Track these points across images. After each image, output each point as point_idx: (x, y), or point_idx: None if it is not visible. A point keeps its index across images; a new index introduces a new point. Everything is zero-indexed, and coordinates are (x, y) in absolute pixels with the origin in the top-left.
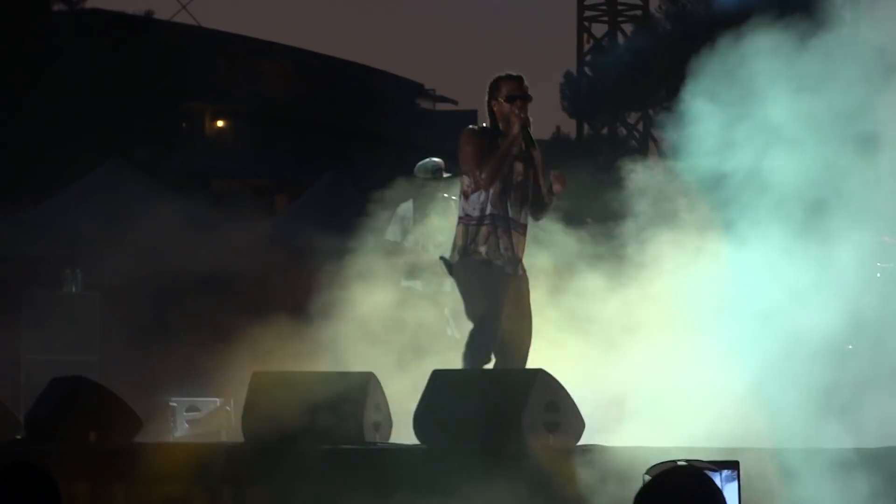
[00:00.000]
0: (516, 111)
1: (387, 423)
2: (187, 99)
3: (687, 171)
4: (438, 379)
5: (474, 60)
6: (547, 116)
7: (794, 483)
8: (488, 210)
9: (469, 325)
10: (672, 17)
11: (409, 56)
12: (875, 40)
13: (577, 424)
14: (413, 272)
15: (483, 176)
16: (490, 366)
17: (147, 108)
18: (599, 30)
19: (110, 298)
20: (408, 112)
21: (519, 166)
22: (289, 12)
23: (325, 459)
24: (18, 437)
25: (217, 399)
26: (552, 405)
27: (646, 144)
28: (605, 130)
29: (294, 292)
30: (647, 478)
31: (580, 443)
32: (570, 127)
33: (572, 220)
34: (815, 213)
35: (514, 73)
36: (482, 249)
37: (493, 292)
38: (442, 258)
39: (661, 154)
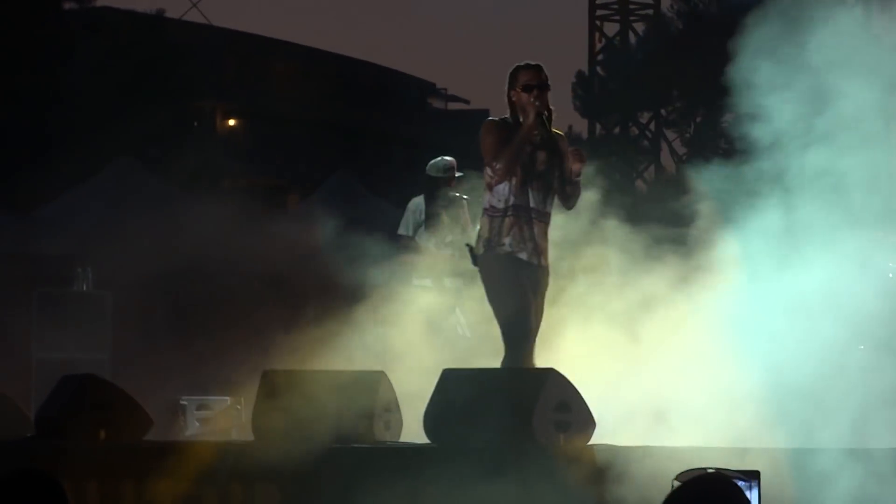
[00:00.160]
0: (532, 100)
1: (397, 422)
2: (198, 97)
3: (752, 172)
4: (449, 378)
5: (486, 60)
6: (559, 116)
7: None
8: (511, 201)
9: (477, 318)
10: (684, 16)
11: (421, 55)
12: (889, 39)
13: (588, 424)
14: (424, 270)
15: (499, 166)
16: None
17: (158, 106)
18: (611, 29)
19: (121, 297)
20: (419, 111)
21: (541, 155)
22: (300, 11)
23: (336, 458)
24: (29, 435)
25: (227, 398)
26: (563, 405)
27: (657, 144)
28: (616, 130)
29: (305, 290)
30: (676, 483)
31: (591, 442)
32: (581, 126)
33: (636, 219)
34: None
35: (533, 63)
36: (506, 241)
37: (520, 286)
38: (468, 246)
39: (673, 153)
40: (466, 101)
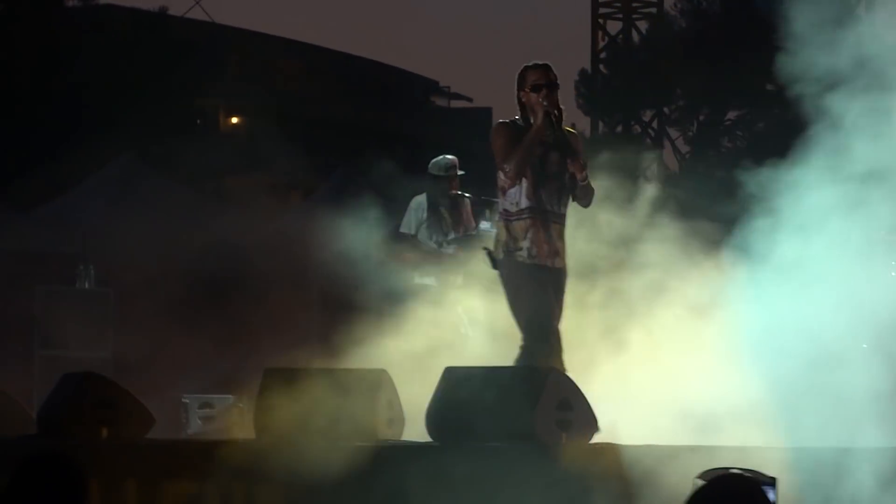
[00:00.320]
0: (541, 100)
1: (399, 421)
2: (201, 95)
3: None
4: (450, 376)
5: (489, 58)
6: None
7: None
8: (524, 203)
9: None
10: (687, 14)
11: (424, 53)
12: (890, 38)
13: (590, 423)
14: (426, 268)
15: (509, 169)
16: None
17: (160, 104)
18: (614, 27)
19: (123, 295)
20: (422, 109)
21: (554, 156)
22: (303, 9)
23: (338, 456)
24: (31, 433)
25: (230, 396)
26: (565, 403)
27: (660, 142)
28: (619, 128)
29: (308, 288)
30: (698, 482)
31: (593, 441)
32: (584, 124)
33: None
34: None
35: (541, 63)
36: (524, 245)
37: (540, 291)
38: (486, 251)
39: (676, 152)
40: (469, 99)
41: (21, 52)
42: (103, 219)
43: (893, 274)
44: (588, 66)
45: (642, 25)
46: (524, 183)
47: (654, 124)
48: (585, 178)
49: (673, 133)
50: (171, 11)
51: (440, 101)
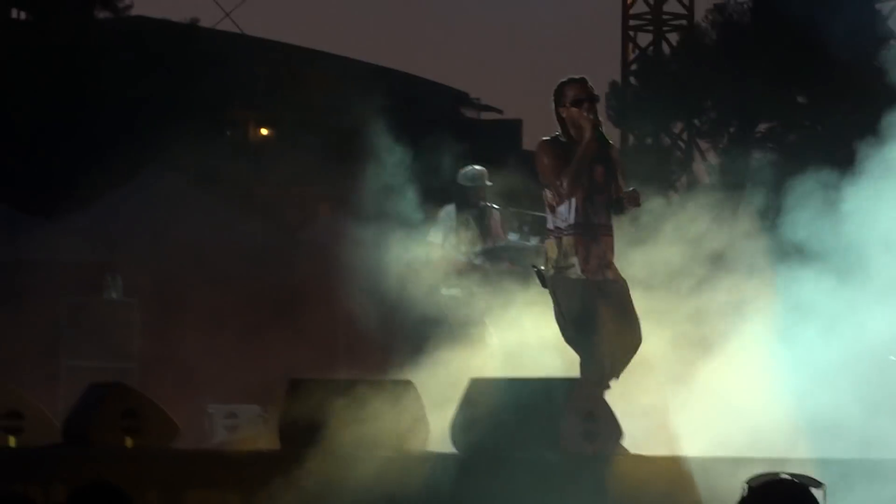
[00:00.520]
0: (585, 114)
1: (424, 431)
2: (231, 107)
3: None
4: (476, 387)
5: (519, 69)
6: None
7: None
8: (574, 219)
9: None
10: (718, 26)
11: (454, 64)
12: None
13: (615, 433)
14: (453, 280)
15: (564, 186)
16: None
17: (190, 115)
18: (644, 39)
19: (150, 305)
20: (452, 120)
21: (599, 169)
22: (333, 20)
23: (362, 467)
24: (56, 442)
25: (255, 406)
26: (590, 414)
27: (690, 154)
28: (649, 140)
29: (336, 300)
30: (747, 488)
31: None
32: (614, 137)
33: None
34: None
35: (577, 77)
36: (574, 261)
37: (591, 309)
38: (535, 269)
39: (707, 164)
40: (499, 111)
41: (51, 63)
42: (131, 229)
43: None
44: (618, 78)
45: (673, 38)
46: (574, 198)
47: (685, 136)
48: (634, 209)
49: (703, 145)
50: (202, 23)
51: (470, 113)
